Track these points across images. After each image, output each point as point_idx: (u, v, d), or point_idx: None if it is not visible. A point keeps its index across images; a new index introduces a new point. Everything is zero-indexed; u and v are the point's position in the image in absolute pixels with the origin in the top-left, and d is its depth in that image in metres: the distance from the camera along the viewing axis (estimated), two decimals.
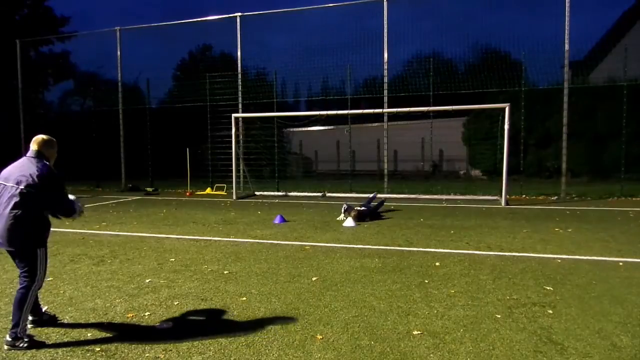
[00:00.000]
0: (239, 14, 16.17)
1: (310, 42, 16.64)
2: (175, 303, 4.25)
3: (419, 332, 3.51)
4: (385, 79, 14.79)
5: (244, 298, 4.37)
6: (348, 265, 5.58)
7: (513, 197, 12.98)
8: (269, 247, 6.74)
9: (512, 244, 6.77)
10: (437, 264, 5.63)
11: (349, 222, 8.65)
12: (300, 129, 20.82)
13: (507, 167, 11.69)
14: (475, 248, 6.55)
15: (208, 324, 3.79)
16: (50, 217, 3.54)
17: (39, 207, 3.37)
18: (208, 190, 16.13)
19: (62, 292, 4.62)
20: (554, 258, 5.89)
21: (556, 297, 4.33)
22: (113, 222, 9.39)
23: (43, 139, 3.54)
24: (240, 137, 15.82)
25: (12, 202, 3.27)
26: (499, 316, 3.84)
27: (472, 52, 15.10)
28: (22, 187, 3.28)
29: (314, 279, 5.02)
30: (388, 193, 14.01)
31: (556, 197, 13.22)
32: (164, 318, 3.87)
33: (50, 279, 5.01)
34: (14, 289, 3.40)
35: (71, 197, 3.68)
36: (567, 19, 13.03)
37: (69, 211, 3.57)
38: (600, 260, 5.78)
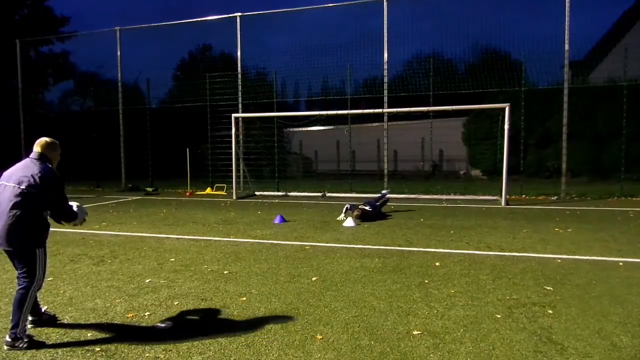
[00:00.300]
0: (239, 14, 16.17)
1: (310, 42, 16.63)
2: (175, 303, 4.25)
3: (419, 332, 3.51)
4: (385, 79, 14.79)
5: (244, 298, 4.37)
6: (348, 265, 5.58)
7: (513, 197, 12.98)
8: (269, 247, 6.74)
9: (512, 244, 6.77)
10: (437, 264, 5.63)
11: (349, 222, 8.64)
12: (300, 129, 20.82)
13: (507, 167, 11.68)
14: (475, 248, 6.55)
15: (208, 324, 3.79)
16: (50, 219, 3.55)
17: (38, 207, 3.37)
18: (208, 190, 16.13)
19: (62, 292, 4.62)
20: (554, 258, 5.89)
21: (556, 297, 4.33)
22: (113, 222, 9.39)
23: (46, 141, 3.57)
24: (240, 137, 15.82)
25: (13, 202, 3.27)
26: (499, 316, 3.84)
27: (472, 52, 15.12)
28: (23, 187, 3.29)
29: (314, 279, 5.02)
30: (388, 193, 13.99)
31: (556, 197, 13.22)
32: (164, 318, 3.87)
33: (50, 279, 5.01)
34: (14, 289, 3.40)
35: (75, 204, 3.70)
36: (567, 19, 13.02)
37: (69, 213, 3.58)
38: (600, 260, 5.78)
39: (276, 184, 16.32)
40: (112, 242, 7.21)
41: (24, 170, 3.38)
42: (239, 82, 16.47)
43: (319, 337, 3.45)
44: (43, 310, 3.78)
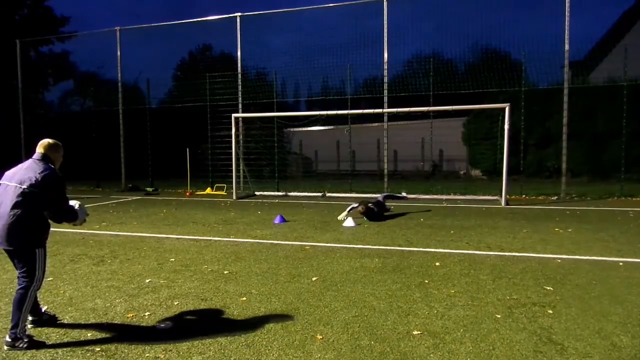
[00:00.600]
0: (239, 14, 16.17)
1: (310, 42, 16.64)
2: (175, 303, 4.25)
3: (419, 332, 3.51)
4: (385, 79, 14.79)
5: (244, 298, 4.37)
6: (348, 265, 5.58)
7: (513, 197, 12.98)
8: (269, 247, 6.74)
9: (512, 244, 6.77)
10: (437, 264, 5.63)
11: (349, 222, 8.64)
12: (300, 129, 20.82)
13: (507, 167, 11.68)
14: (475, 248, 6.55)
15: (208, 324, 3.79)
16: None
17: (39, 207, 3.38)
18: (208, 190, 16.13)
19: (62, 292, 4.61)
20: (554, 258, 5.89)
21: (556, 297, 4.33)
22: (113, 222, 9.39)
23: (49, 142, 3.58)
24: (240, 137, 15.82)
25: (14, 202, 3.28)
26: (499, 316, 3.84)
27: (472, 52, 15.11)
28: (24, 186, 3.30)
29: (314, 279, 5.02)
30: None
31: (556, 197, 13.22)
32: (163, 318, 3.87)
33: (50, 279, 5.01)
34: (14, 289, 3.40)
35: (76, 202, 3.71)
36: (567, 19, 13.03)
37: (69, 213, 3.59)
38: (600, 260, 5.78)
39: (276, 184, 16.32)
40: (112, 242, 7.21)
41: (27, 170, 3.40)
42: (239, 82, 16.47)
43: (319, 337, 3.45)
44: (43, 310, 3.78)
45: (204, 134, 17.03)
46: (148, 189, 16.51)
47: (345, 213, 9.30)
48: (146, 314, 3.98)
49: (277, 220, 9.17)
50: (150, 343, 3.36)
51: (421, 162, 18.94)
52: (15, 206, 3.28)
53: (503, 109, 11.82)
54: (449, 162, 22.97)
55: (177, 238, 7.54)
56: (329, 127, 20.14)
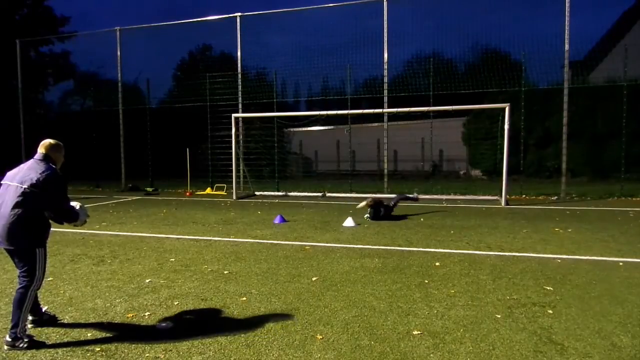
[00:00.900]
0: (239, 14, 16.17)
1: (310, 42, 16.69)
2: (175, 303, 4.25)
3: (419, 332, 3.51)
4: (385, 79, 14.80)
5: (244, 298, 4.37)
6: (348, 265, 5.58)
7: (513, 197, 12.98)
8: (269, 247, 6.74)
9: (512, 244, 6.77)
10: (437, 264, 5.63)
11: (349, 222, 8.64)
12: (300, 129, 20.81)
13: (507, 167, 11.69)
14: (475, 248, 6.55)
15: (208, 324, 3.79)
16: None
17: (40, 207, 3.38)
18: (208, 190, 16.13)
19: (62, 292, 4.61)
20: (554, 258, 5.90)
21: (556, 297, 4.33)
22: (113, 222, 9.39)
23: (50, 143, 3.60)
24: (240, 137, 15.82)
25: (15, 201, 3.29)
26: (499, 316, 3.84)
27: (472, 52, 15.11)
28: (25, 186, 3.31)
29: (314, 279, 5.02)
30: (388, 193, 14.00)
31: (556, 197, 13.22)
32: (163, 318, 3.87)
33: (50, 279, 5.01)
34: (14, 289, 3.40)
35: (77, 204, 3.72)
36: (567, 19, 13.03)
37: (70, 213, 3.59)
38: (600, 260, 5.78)
39: (276, 184, 16.32)
40: (112, 242, 7.21)
41: (28, 170, 3.41)
42: (239, 82, 16.47)
43: (319, 337, 3.45)
44: (43, 310, 3.78)
45: (204, 134, 17.03)
46: (148, 189, 16.51)
47: (363, 203, 9.28)
48: (146, 314, 3.98)
49: (277, 220, 9.17)
50: (150, 343, 3.36)
51: (421, 162, 18.94)
52: (16, 206, 3.28)
53: (503, 109, 11.82)
54: (449, 162, 22.96)
55: (177, 238, 7.54)
56: (329, 127, 20.14)
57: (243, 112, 16.24)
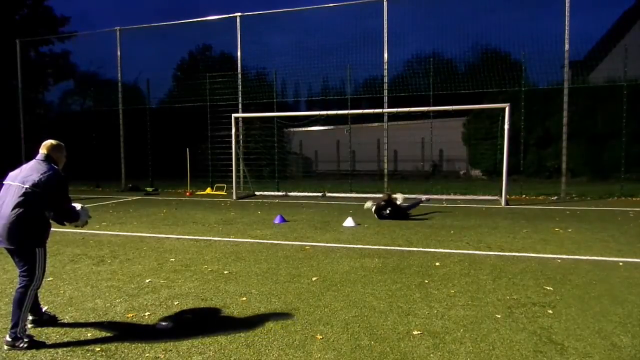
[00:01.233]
0: (239, 14, 16.17)
1: (310, 42, 16.60)
2: (175, 303, 4.25)
3: (419, 332, 3.51)
4: (385, 79, 14.79)
5: (244, 298, 4.37)
6: (348, 265, 5.58)
7: (513, 197, 12.98)
8: (269, 247, 6.74)
9: (512, 244, 6.77)
10: (437, 264, 5.63)
11: (349, 222, 8.64)
12: (300, 129, 20.82)
13: (507, 167, 11.69)
14: (475, 248, 6.55)
15: (208, 324, 3.79)
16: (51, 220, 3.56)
17: (41, 207, 3.39)
18: (208, 190, 16.13)
19: (62, 292, 4.61)
20: (554, 258, 5.89)
21: (556, 297, 4.33)
22: (113, 222, 9.39)
23: (52, 143, 3.61)
24: (240, 137, 15.82)
25: (16, 201, 3.30)
26: (499, 316, 3.84)
27: (472, 52, 15.11)
28: (27, 186, 3.32)
29: (314, 279, 5.02)
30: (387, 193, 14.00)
31: (556, 197, 13.22)
32: (163, 318, 3.87)
33: (50, 279, 5.01)
34: (14, 289, 3.40)
35: (78, 205, 3.73)
36: (567, 19, 13.03)
37: (70, 213, 3.60)
38: (600, 260, 5.78)
39: (276, 184, 16.32)
40: (112, 242, 7.21)
41: (30, 170, 3.42)
42: (239, 82, 16.47)
43: (319, 337, 3.45)
44: (43, 310, 3.78)
45: (204, 134, 17.03)
46: (148, 189, 16.51)
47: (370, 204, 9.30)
48: (146, 314, 3.98)
49: (277, 220, 9.17)
50: (150, 343, 3.36)
51: (421, 162, 18.95)
52: (17, 205, 3.29)
53: (503, 109, 11.83)
54: (449, 162, 22.99)
55: (177, 238, 7.54)
56: (329, 127, 20.15)
57: (243, 112, 16.25)
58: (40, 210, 3.40)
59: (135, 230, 8.39)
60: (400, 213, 9.37)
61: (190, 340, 3.39)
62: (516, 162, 14.03)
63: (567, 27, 13.07)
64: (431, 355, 3.14)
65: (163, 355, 3.17)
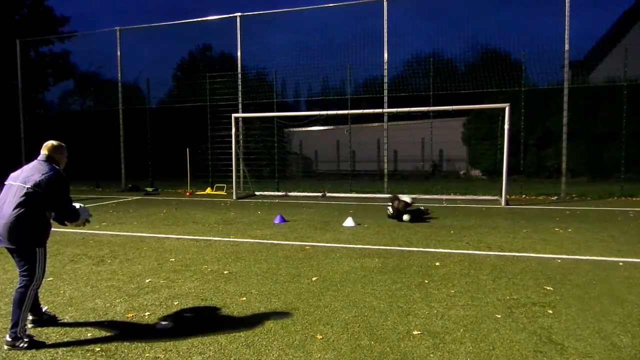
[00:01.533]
0: (239, 14, 16.17)
1: (310, 42, 16.61)
2: (175, 303, 4.25)
3: (419, 332, 3.51)
4: (385, 79, 14.80)
5: (244, 298, 4.37)
6: (348, 265, 5.58)
7: (513, 197, 12.98)
8: (269, 247, 6.74)
9: (512, 244, 6.77)
10: (437, 264, 5.63)
11: (349, 222, 8.65)
12: (300, 129, 20.82)
13: (507, 167, 11.68)
14: (475, 248, 6.55)
15: (208, 324, 3.79)
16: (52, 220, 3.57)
17: (41, 207, 3.40)
18: (208, 190, 16.13)
19: (62, 292, 4.61)
20: (554, 258, 5.89)
21: (556, 297, 4.33)
22: (113, 222, 9.39)
23: (53, 144, 3.63)
24: (240, 137, 15.82)
25: (17, 201, 3.31)
26: (499, 316, 3.84)
27: (472, 52, 15.11)
28: (28, 186, 3.33)
29: (314, 279, 5.02)
30: (388, 193, 14.00)
31: (556, 197, 13.22)
32: (163, 318, 3.87)
33: (50, 279, 5.01)
34: (14, 289, 3.40)
35: (79, 205, 3.73)
36: (567, 19, 13.03)
37: (71, 213, 3.60)
38: (600, 260, 5.78)
39: (276, 184, 16.32)
40: (112, 242, 7.21)
41: (31, 170, 3.44)
42: (239, 82, 16.47)
43: (319, 337, 3.45)
44: (43, 310, 3.78)
45: (204, 134, 17.02)
46: (148, 189, 16.50)
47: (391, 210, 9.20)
48: (146, 314, 3.98)
49: (277, 220, 9.17)
50: (150, 343, 3.36)
51: (421, 162, 18.94)
52: (17, 205, 3.30)
53: (503, 109, 11.82)
54: (449, 162, 22.97)
55: (177, 238, 7.54)
56: (329, 127, 20.15)
57: (243, 112, 16.24)
58: (41, 211, 3.41)
59: (135, 230, 8.39)
60: (416, 214, 9.31)
61: (190, 340, 3.40)
62: (516, 162, 14.03)
63: (567, 27, 13.07)
64: (431, 355, 3.14)
65: (163, 355, 3.17)
